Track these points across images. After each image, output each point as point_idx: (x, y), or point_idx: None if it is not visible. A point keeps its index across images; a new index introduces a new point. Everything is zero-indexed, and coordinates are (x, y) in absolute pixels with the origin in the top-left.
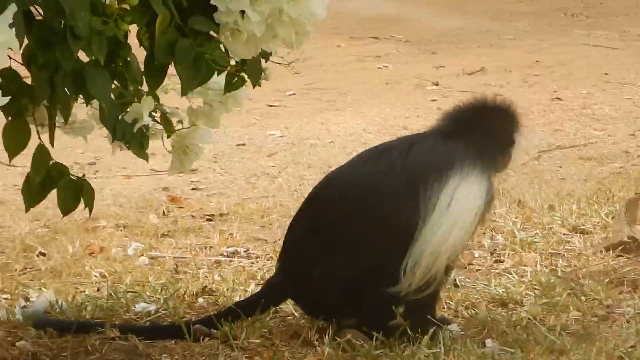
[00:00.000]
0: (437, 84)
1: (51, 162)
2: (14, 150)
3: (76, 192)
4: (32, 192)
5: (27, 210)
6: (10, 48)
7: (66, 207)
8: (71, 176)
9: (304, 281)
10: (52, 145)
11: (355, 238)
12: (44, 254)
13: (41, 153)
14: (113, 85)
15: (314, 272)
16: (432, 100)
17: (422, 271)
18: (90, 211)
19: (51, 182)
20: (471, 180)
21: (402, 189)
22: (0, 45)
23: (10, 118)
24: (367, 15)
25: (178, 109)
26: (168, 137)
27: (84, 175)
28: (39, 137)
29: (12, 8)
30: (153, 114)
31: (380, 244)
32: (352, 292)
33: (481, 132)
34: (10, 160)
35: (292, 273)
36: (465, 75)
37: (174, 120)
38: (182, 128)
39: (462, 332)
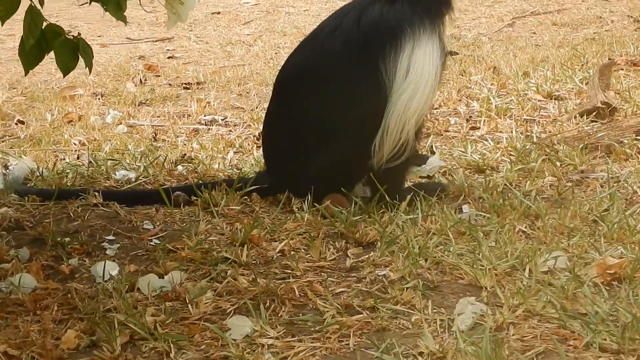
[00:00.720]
0: None
1: (45, 24)
2: (4, 13)
3: (74, 52)
4: (29, 55)
5: (26, 73)
6: None
7: (66, 67)
8: (67, 36)
9: (289, 176)
10: (42, 5)
11: (328, 124)
12: (22, 122)
13: (33, 14)
14: None
15: (296, 167)
16: None
17: (393, 140)
18: (90, 70)
19: (47, 43)
20: (423, 43)
21: (362, 65)
22: None
23: None
24: None
25: None
26: None
27: (79, 34)
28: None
29: None
30: None
31: (351, 124)
32: (335, 174)
33: None
34: (2, 24)
35: (277, 171)
36: None
37: None
38: None
39: (444, 163)
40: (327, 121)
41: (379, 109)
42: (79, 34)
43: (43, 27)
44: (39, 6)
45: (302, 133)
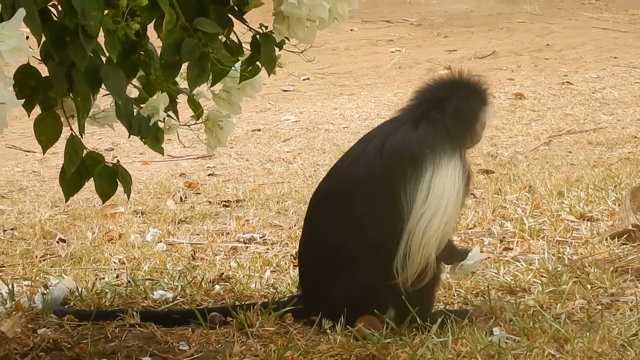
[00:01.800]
0: (449, 68)
1: (85, 152)
2: (46, 143)
3: (113, 179)
4: (69, 183)
5: (66, 199)
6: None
7: (105, 193)
8: (106, 163)
9: (322, 298)
10: (82, 135)
11: (352, 249)
12: (63, 240)
13: (74, 144)
14: (139, 74)
15: (328, 289)
16: None
17: (415, 261)
18: (129, 196)
19: (87, 170)
20: (444, 167)
21: (384, 191)
22: (11, 49)
23: (41, 111)
24: None
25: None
26: (197, 118)
27: (118, 161)
28: (71, 128)
29: (21, 12)
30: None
31: (373, 248)
32: (363, 297)
33: (448, 112)
34: (44, 153)
35: (311, 293)
36: (476, 59)
37: (202, 100)
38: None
39: (485, 256)
40: (351, 246)
41: (399, 233)
42: (118, 161)
43: (83, 155)
44: (79, 135)
45: (330, 257)
